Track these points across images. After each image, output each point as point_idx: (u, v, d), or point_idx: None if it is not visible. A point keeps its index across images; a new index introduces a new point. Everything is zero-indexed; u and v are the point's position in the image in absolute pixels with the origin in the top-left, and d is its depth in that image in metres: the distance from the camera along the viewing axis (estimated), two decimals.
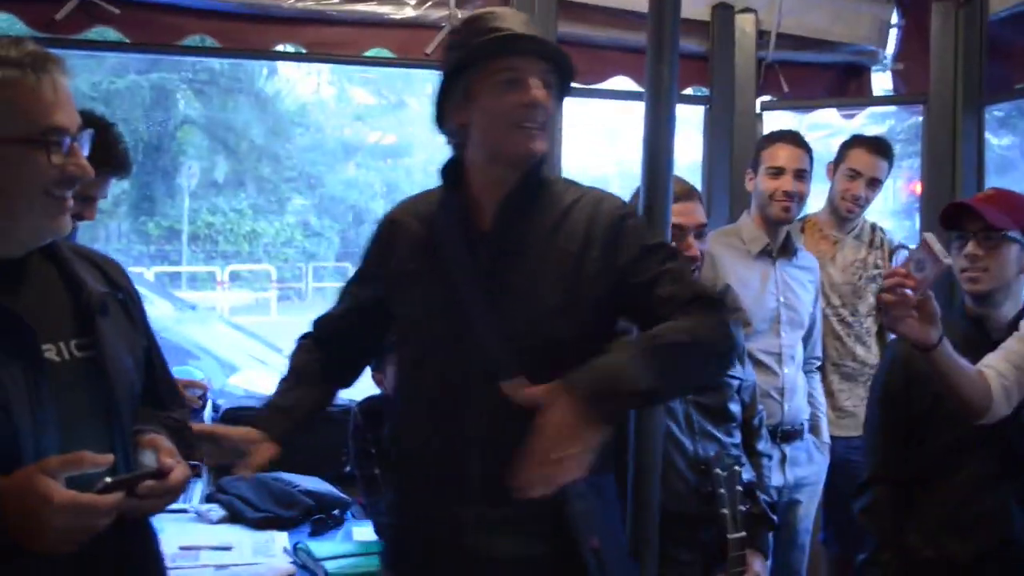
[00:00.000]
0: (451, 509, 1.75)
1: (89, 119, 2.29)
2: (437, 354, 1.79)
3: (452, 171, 1.83)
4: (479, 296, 1.75)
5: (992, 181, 3.68)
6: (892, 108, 5.10)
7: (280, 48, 3.60)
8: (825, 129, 4.46)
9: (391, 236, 1.89)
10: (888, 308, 1.92)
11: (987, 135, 3.71)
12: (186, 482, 1.52)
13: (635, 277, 1.74)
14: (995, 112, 3.71)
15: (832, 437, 3.19)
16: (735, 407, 2.40)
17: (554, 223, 1.78)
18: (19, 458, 1.32)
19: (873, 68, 4.14)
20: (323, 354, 2.00)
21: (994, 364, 2.07)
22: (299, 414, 1.92)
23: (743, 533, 2.26)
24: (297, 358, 2.01)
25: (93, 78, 13.54)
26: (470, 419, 1.73)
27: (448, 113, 1.78)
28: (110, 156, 2.42)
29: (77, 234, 2.61)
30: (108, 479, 1.34)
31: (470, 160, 1.80)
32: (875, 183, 3.32)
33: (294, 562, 2.46)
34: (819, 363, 3.21)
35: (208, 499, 2.87)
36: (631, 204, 1.83)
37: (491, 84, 1.72)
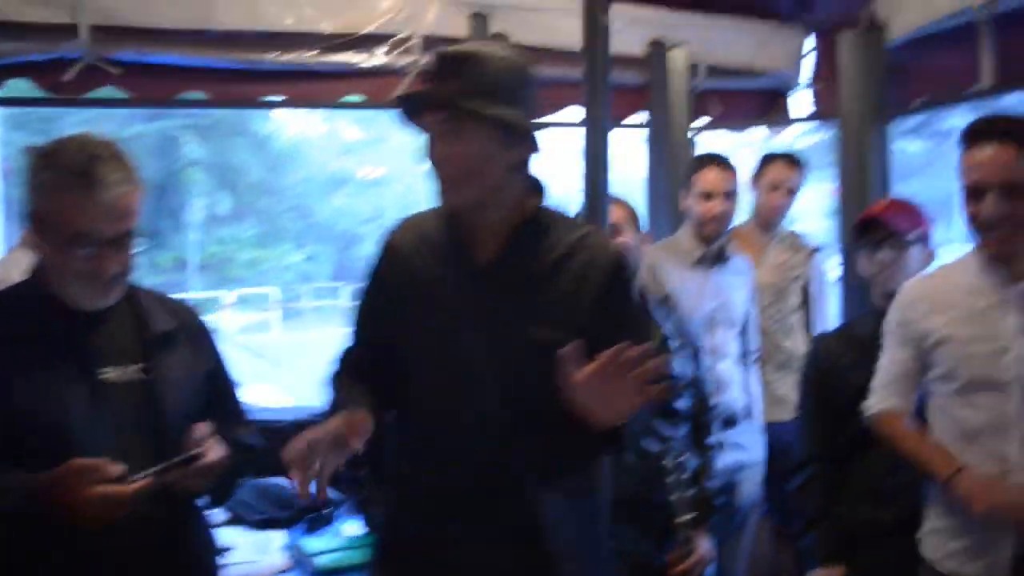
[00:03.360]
0: (443, 527, 1.62)
1: None
2: (435, 386, 1.64)
3: None
4: (477, 333, 1.59)
5: (903, 184, 3.72)
6: (815, 124, 5.16)
7: (267, 99, 3.62)
8: (755, 147, 4.49)
9: (391, 261, 1.70)
10: None
11: (900, 143, 3.75)
12: (219, 464, 1.63)
13: (603, 337, 1.53)
14: (909, 122, 3.76)
15: (769, 422, 3.20)
16: (682, 404, 2.42)
17: (555, 262, 1.61)
18: (71, 453, 1.51)
19: (793, 90, 4.19)
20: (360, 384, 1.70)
21: (899, 403, 2.07)
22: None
23: (690, 516, 2.29)
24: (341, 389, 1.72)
25: (104, 127, 13.45)
26: (466, 454, 1.60)
27: None
28: None
29: None
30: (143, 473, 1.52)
31: None
32: (792, 192, 3.37)
33: (291, 558, 2.47)
34: (756, 355, 3.22)
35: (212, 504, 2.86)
36: (622, 255, 1.67)
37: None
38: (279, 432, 2.64)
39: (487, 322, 1.59)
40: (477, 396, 1.59)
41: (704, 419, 2.51)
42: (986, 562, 1.91)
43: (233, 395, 1.91)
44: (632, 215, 2.51)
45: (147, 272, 15.08)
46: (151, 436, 1.63)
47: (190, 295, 14.81)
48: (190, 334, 1.79)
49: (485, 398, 1.58)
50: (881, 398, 2.11)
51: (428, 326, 1.63)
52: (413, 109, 1.61)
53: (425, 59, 3.46)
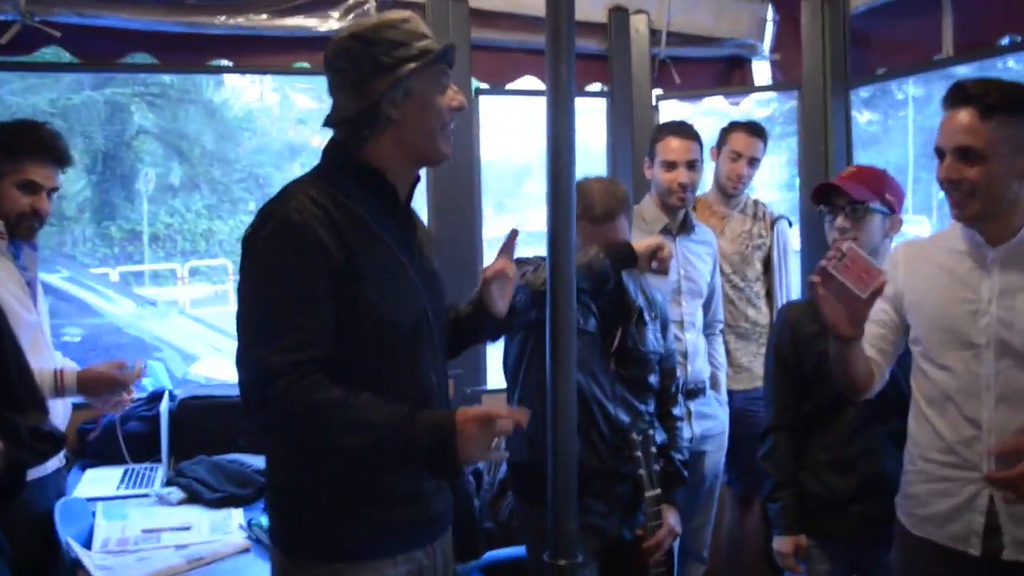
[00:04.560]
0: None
1: (25, 122, 2.26)
2: (403, 326, 1.66)
3: (353, 163, 1.68)
4: (422, 277, 1.72)
5: (858, 155, 3.71)
6: (772, 94, 5.13)
7: (215, 63, 3.49)
8: (715, 115, 4.45)
9: (321, 243, 1.57)
10: (812, 288, 1.85)
11: (853, 114, 3.75)
12: None
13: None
14: (861, 93, 3.76)
15: (730, 391, 3.19)
16: (654, 379, 2.39)
17: (411, 208, 1.82)
18: None
19: (753, 59, 4.14)
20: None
21: (872, 354, 2.05)
22: None
23: (658, 490, 2.26)
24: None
25: (51, 95, 13.02)
26: (428, 394, 1.70)
27: (381, 109, 1.64)
28: (48, 149, 2.41)
29: (38, 238, 2.51)
30: None
31: (381, 151, 1.67)
32: (754, 162, 3.34)
33: (249, 537, 2.38)
34: (721, 326, 3.20)
35: (168, 483, 2.76)
36: None
37: (431, 85, 1.66)
38: (234, 407, 2.58)
39: (419, 263, 1.74)
40: (430, 328, 1.72)
41: (671, 391, 2.48)
42: (957, 528, 1.91)
43: (24, 378, 1.73)
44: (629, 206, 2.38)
45: (98, 244, 14.73)
46: None
47: (142, 267, 14.52)
48: None
49: (433, 328, 1.73)
50: None
51: (399, 279, 1.67)
52: (453, 60, 1.71)
53: None
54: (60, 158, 2.44)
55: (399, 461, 1.59)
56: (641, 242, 2.26)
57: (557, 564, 1.80)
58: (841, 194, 2.31)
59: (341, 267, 1.57)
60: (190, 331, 6.75)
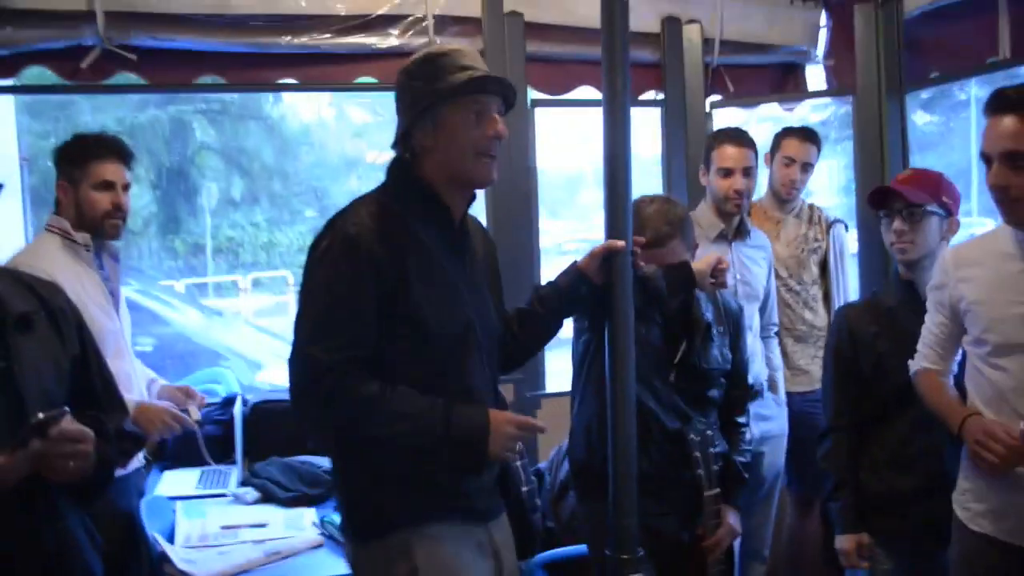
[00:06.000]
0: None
1: (85, 133, 2.35)
2: (448, 334, 1.80)
3: (411, 182, 1.83)
4: (471, 290, 1.86)
5: (916, 158, 3.70)
6: (827, 99, 5.12)
7: (281, 81, 3.61)
8: (769, 122, 4.46)
9: (372, 256, 1.72)
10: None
11: (911, 116, 3.75)
12: (88, 437, 1.52)
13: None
14: (921, 95, 3.76)
15: (789, 393, 3.22)
16: (715, 393, 2.38)
17: (471, 235, 1.94)
18: None
19: (807, 65, 4.15)
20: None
21: (935, 364, 2.15)
22: None
23: (717, 490, 2.28)
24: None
25: (118, 113, 13.44)
26: (472, 401, 1.81)
27: (413, 136, 1.81)
28: (110, 148, 2.55)
29: (120, 249, 2.66)
30: None
31: (428, 177, 1.83)
32: (807, 167, 3.36)
33: (322, 533, 2.48)
34: (776, 329, 3.23)
35: (243, 483, 2.88)
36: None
37: (462, 116, 1.78)
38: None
39: (471, 277, 1.88)
40: (477, 338, 1.85)
41: (739, 400, 2.48)
42: (1012, 524, 1.92)
43: (106, 382, 1.80)
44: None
45: (163, 257, 15.13)
46: (9, 427, 1.51)
47: (206, 279, 14.87)
48: (52, 316, 1.68)
49: (482, 338, 1.85)
50: (920, 358, 2.17)
51: (447, 293, 1.81)
52: (489, 89, 1.81)
53: (438, 40, 3.46)
54: (122, 153, 2.57)
55: (432, 449, 1.74)
56: (700, 261, 2.28)
57: (620, 558, 1.88)
58: (897, 197, 2.33)
59: (391, 277, 1.72)
60: (254, 340, 6.91)
